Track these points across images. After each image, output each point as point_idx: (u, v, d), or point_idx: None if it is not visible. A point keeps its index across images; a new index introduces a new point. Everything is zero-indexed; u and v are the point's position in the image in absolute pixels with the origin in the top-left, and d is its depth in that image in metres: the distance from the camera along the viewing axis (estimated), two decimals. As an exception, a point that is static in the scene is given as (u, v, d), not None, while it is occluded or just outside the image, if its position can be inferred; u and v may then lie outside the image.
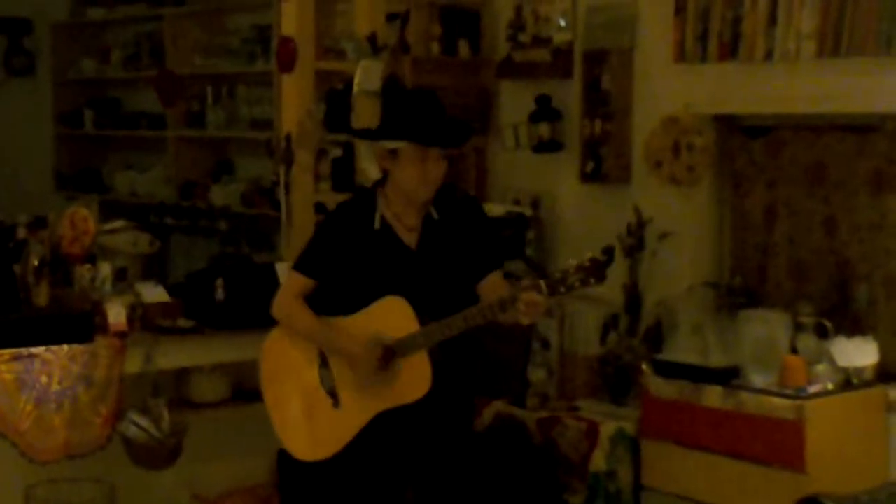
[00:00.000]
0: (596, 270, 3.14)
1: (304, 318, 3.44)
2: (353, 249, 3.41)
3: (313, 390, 3.45)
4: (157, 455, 3.91)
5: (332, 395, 3.44)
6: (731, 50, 4.34)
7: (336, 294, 3.47)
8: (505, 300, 3.20)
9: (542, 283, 3.15)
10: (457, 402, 3.46)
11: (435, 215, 3.41)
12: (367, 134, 3.47)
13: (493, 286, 3.38)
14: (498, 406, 4.44)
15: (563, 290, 3.16)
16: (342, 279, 3.45)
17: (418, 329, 3.30)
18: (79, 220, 4.28)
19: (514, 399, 4.48)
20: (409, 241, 3.40)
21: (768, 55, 4.23)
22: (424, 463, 3.48)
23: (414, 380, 3.32)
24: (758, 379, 3.86)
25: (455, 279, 3.40)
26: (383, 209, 3.41)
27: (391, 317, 3.34)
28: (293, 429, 3.51)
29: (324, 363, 3.47)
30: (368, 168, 3.50)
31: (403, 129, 3.33)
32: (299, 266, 3.51)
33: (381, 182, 3.44)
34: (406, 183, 3.35)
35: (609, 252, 3.23)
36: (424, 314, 3.31)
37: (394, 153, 3.35)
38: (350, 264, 3.42)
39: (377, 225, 3.39)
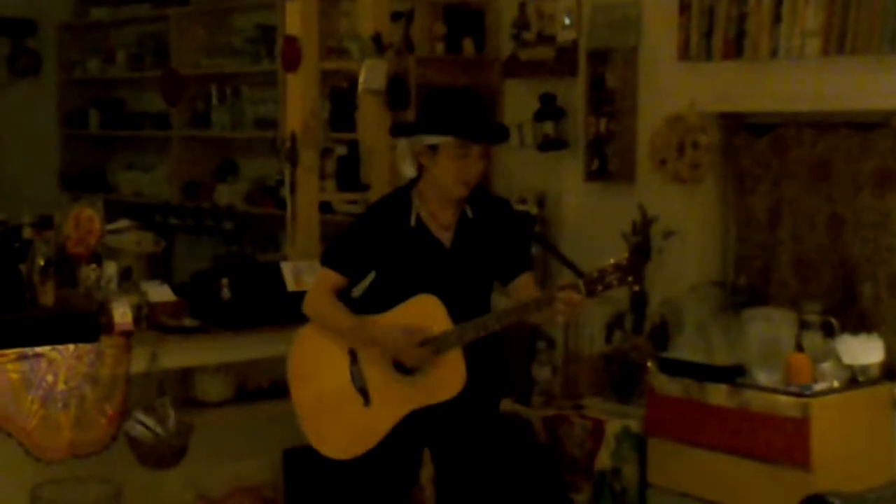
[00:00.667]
0: (633, 269, 3.14)
1: (337, 313, 3.40)
2: (388, 247, 3.40)
3: (343, 388, 3.41)
4: (162, 455, 3.90)
5: (363, 393, 3.41)
6: (735, 48, 4.33)
7: (369, 291, 3.47)
8: (542, 300, 3.21)
9: (581, 282, 3.16)
10: (486, 400, 3.45)
11: (470, 214, 3.40)
12: (410, 129, 3.45)
13: (524, 286, 3.39)
14: (503, 404, 4.43)
15: (600, 288, 3.17)
16: (376, 276, 3.45)
17: (452, 327, 3.29)
18: (84, 220, 4.28)
19: (519, 397, 4.48)
20: (443, 240, 3.40)
21: (773, 53, 4.23)
22: (446, 457, 3.47)
23: (447, 378, 3.30)
24: (763, 377, 3.86)
25: (487, 279, 3.41)
26: (418, 207, 3.40)
27: (424, 315, 3.32)
28: (322, 427, 3.46)
29: (354, 361, 3.44)
30: (404, 166, 3.47)
31: (448, 123, 3.30)
32: (332, 262, 3.47)
33: (416, 180, 3.43)
34: (444, 178, 3.33)
35: (646, 251, 3.22)
36: (456, 311, 3.30)
37: (434, 149, 3.32)
38: (384, 262, 3.42)
39: (413, 223, 3.39)
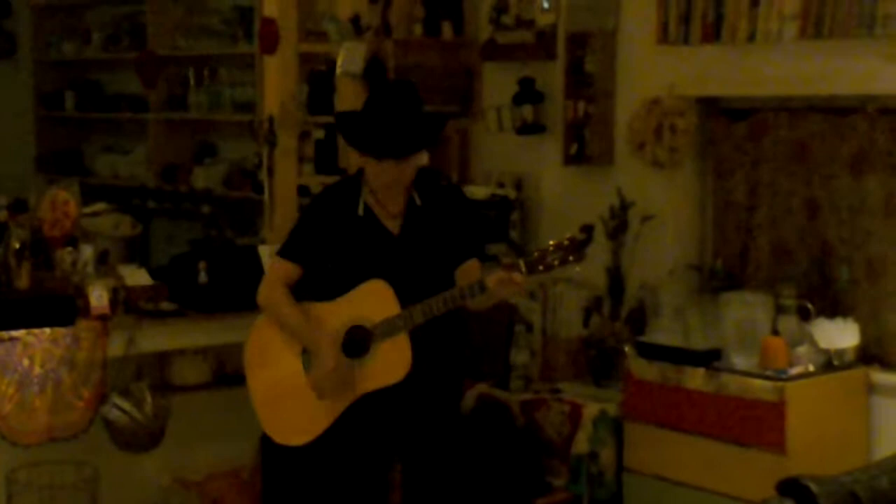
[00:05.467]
0: (575, 249, 3.16)
1: (284, 307, 3.44)
2: (337, 235, 3.42)
3: (295, 375, 3.45)
4: (139, 438, 3.90)
5: None
6: (714, 32, 4.33)
7: (320, 279, 3.47)
8: (480, 281, 3.24)
9: (521, 261, 3.18)
10: (441, 383, 3.47)
11: (418, 202, 3.42)
12: (345, 135, 3.52)
13: (468, 272, 3.40)
14: (481, 388, 4.45)
15: (541, 268, 3.18)
16: (326, 264, 3.45)
17: (398, 312, 3.31)
18: (60, 203, 4.25)
19: (497, 381, 4.49)
20: (391, 227, 3.41)
21: (751, 37, 4.23)
22: (410, 443, 3.49)
23: (393, 363, 3.33)
24: (739, 361, 3.88)
25: (436, 264, 3.41)
26: (367, 195, 3.41)
27: (372, 300, 3.35)
28: (275, 414, 3.52)
29: (305, 348, 3.46)
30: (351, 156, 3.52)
31: (360, 142, 3.36)
32: (284, 252, 3.51)
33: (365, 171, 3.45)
34: (375, 182, 3.39)
35: (588, 230, 3.25)
36: (407, 299, 3.32)
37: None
38: (334, 249, 3.43)
39: (360, 211, 3.39)
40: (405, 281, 3.34)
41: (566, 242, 3.17)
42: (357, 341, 3.36)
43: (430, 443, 3.47)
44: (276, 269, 3.51)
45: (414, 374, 3.33)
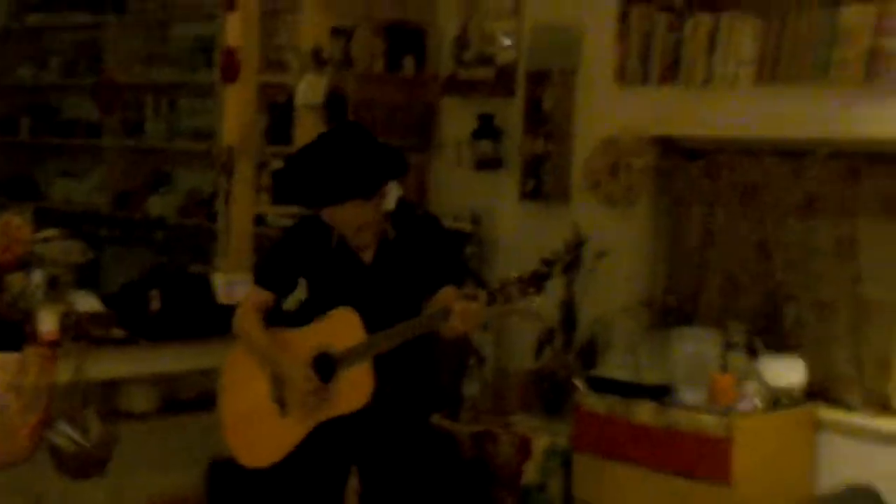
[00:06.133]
0: (535, 281, 3.19)
1: (254, 333, 3.47)
2: (311, 264, 3.45)
3: (263, 399, 3.47)
4: (84, 465, 3.86)
5: (281, 403, 3.45)
6: (672, 73, 4.39)
7: (301, 305, 3.50)
8: (441, 310, 3.23)
9: (482, 292, 3.18)
10: (405, 409, 3.46)
11: (390, 234, 3.41)
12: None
13: (440, 300, 3.39)
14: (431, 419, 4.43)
15: (501, 299, 3.20)
16: (306, 291, 3.47)
17: (363, 339, 3.30)
18: (12, 229, 4.21)
19: (448, 413, 4.48)
20: (364, 257, 3.42)
21: (707, 79, 4.30)
22: (370, 466, 3.48)
23: (355, 389, 3.32)
24: (689, 396, 3.90)
25: (408, 294, 3.41)
26: (339, 230, 3.41)
27: (340, 328, 3.35)
28: (241, 436, 3.53)
29: (274, 372, 3.46)
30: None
31: (291, 193, 3.42)
32: (259, 280, 3.55)
33: None
34: (334, 224, 3.36)
35: (550, 264, 3.28)
36: (377, 327, 3.32)
37: None
38: (308, 278, 3.46)
39: (333, 244, 3.40)
40: (376, 309, 3.34)
41: (527, 275, 3.20)
42: (323, 368, 3.36)
43: (388, 465, 3.46)
44: (250, 297, 3.54)
45: (378, 400, 3.32)
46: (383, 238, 3.41)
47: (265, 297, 3.49)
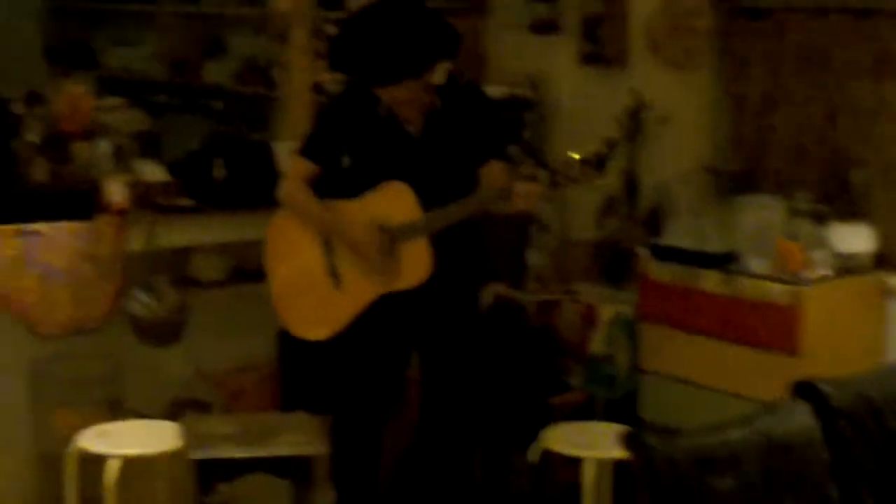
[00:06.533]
0: (597, 163, 3.17)
1: (307, 202, 3.46)
2: (358, 136, 3.42)
3: (315, 270, 3.49)
4: (161, 331, 3.96)
5: (334, 275, 3.47)
6: (735, -73, 4.27)
7: (340, 179, 3.48)
8: (502, 190, 3.22)
9: (542, 173, 3.18)
10: (459, 287, 3.50)
11: (438, 105, 3.39)
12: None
13: (492, 173, 3.39)
14: (497, 289, 4.48)
15: (561, 179, 3.20)
16: (350, 162, 3.46)
17: (420, 215, 3.31)
18: (75, 98, 4.24)
19: (512, 282, 4.53)
20: (412, 129, 3.40)
21: (775, -66, 4.17)
22: (429, 340, 3.54)
23: (414, 265, 3.35)
24: (755, 264, 3.90)
25: (457, 167, 3.41)
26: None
27: (393, 202, 3.36)
28: (294, 309, 3.57)
29: (327, 244, 3.49)
30: None
31: (343, 65, 3.41)
32: (304, 151, 3.52)
33: None
34: (383, 98, 3.34)
35: (611, 145, 3.25)
36: (427, 201, 3.33)
37: None
38: (355, 149, 3.42)
39: (383, 113, 3.38)
40: (425, 183, 3.34)
41: (589, 156, 3.17)
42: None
43: (448, 340, 3.53)
44: (295, 167, 3.53)
45: (433, 276, 3.35)
46: (430, 109, 3.39)
47: (309, 168, 3.47)
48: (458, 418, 3.59)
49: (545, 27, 4.96)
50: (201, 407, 4.15)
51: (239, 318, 4.32)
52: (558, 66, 5.01)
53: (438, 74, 3.35)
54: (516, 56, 5.14)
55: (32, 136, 4.10)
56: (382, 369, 3.57)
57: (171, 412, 3.98)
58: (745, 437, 2.50)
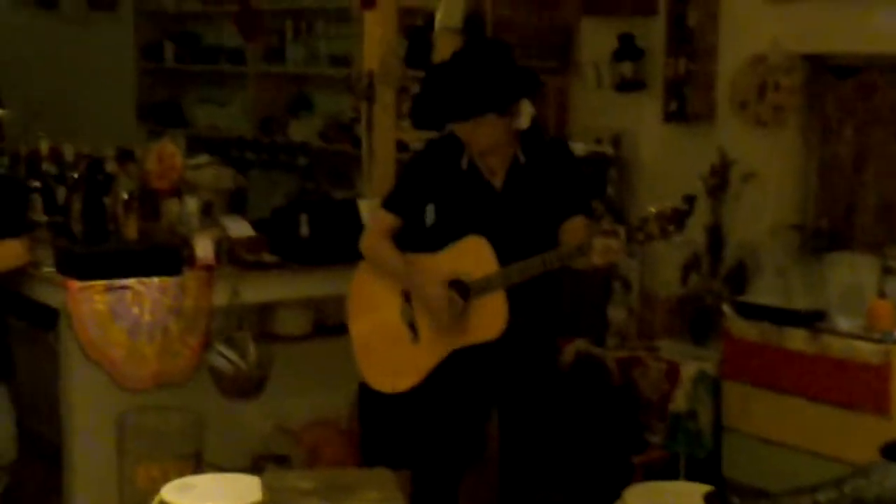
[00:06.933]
0: (676, 219, 3.15)
1: (388, 255, 3.49)
2: (440, 189, 3.44)
3: (394, 324, 3.51)
4: (242, 386, 4.00)
5: (412, 328, 3.49)
6: (823, -14, 4.24)
7: (423, 232, 3.50)
8: (581, 245, 3.22)
9: (621, 229, 3.16)
10: (536, 341, 3.48)
11: (521, 159, 3.40)
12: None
13: (574, 229, 3.39)
14: (578, 345, 4.45)
15: (641, 237, 3.18)
16: (434, 215, 3.49)
17: (496, 270, 3.32)
18: (166, 156, 4.35)
19: (594, 338, 4.49)
20: (495, 183, 3.41)
21: (862, -8, 4.13)
22: (508, 395, 3.52)
23: (488, 320, 3.35)
24: (843, 323, 3.82)
25: (539, 222, 3.41)
26: (471, 150, 3.41)
27: (471, 256, 3.37)
28: (373, 361, 3.59)
29: (407, 298, 3.51)
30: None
31: (427, 110, 3.45)
32: (387, 204, 3.56)
33: None
34: (466, 140, 3.37)
35: (690, 201, 3.23)
36: (507, 255, 3.33)
37: None
38: (437, 202, 3.45)
39: (464, 166, 3.40)
40: (506, 237, 3.35)
41: (668, 212, 3.15)
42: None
43: (525, 394, 3.50)
44: (378, 220, 3.57)
45: (509, 331, 3.35)
46: (514, 162, 3.40)
47: (392, 221, 3.51)
48: (537, 475, 3.56)
49: (630, 85, 4.96)
50: (281, 461, 4.17)
51: (319, 373, 4.35)
52: (642, 123, 5.00)
53: (522, 118, 3.37)
54: (600, 113, 5.14)
55: (124, 192, 4.21)
56: (460, 424, 3.56)
57: (252, 466, 4.01)
58: (835, 501, 2.43)
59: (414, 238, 3.55)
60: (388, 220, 3.52)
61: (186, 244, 4.08)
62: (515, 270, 3.30)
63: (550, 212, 3.42)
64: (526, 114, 3.39)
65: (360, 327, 3.61)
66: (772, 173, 4.48)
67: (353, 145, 5.80)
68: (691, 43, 4.73)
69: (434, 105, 3.40)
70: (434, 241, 3.47)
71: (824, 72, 4.45)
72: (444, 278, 3.40)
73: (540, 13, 5.25)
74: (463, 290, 3.39)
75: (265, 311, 4.33)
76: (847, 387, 3.71)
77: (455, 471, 3.57)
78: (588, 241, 3.20)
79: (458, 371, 3.46)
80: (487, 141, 3.33)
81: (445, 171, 3.43)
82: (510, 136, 3.36)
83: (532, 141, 3.43)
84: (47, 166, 4.72)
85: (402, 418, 4.13)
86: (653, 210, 3.17)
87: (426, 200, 3.49)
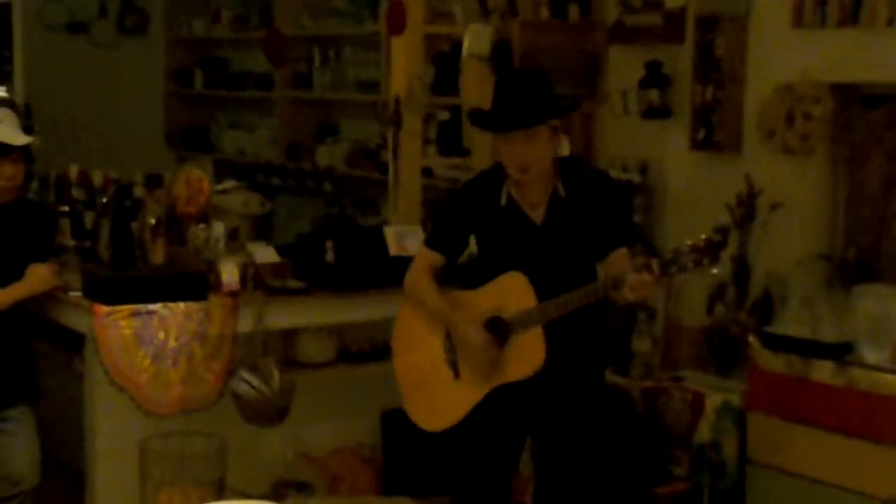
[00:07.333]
0: (710, 251, 3.11)
1: (428, 294, 3.47)
2: (481, 225, 3.44)
3: (437, 361, 3.49)
4: (266, 412, 3.98)
5: (454, 366, 3.47)
6: (851, 15, 4.21)
7: (470, 264, 3.51)
8: (616, 279, 3.19)
9: (655, 262, 3.14)
10: (578, 374, 3.45)
11: (562, 192, 3.39)
12: (470, 117, 3.54)
13: (616, 262, 3.36)
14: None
15: (674, 270, 3.15)
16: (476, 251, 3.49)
17: (534, 305, 3.30)
18: (194, 181, 4.36)
19: (617, 368, 4.47)
20: (534, 217, 3.40)
21: (890, 21, 4.10)
22: (544, 431, 3.49)
23: (527, 356, 3.33)
24: (871, 355, 3.79)
25: (580, 256, 3.40)
26: (510, 186, 3.41)
27: (510, 292, 3.35)
28: (416, 399, 3.56)
29: (448, 336, 3.48)
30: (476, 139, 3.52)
31: (474, 116, 3.41)
32: (429, 241, 3.57)
33: None
34: (504, 163, 3.37)
35: (724, 232, 3.20)
36: (549, 289, 3.30)
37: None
38: (478, 238, 3.46)
39: (503, 201, 3.40)
40: (546, 271, 3.33)
41: (701, 244, 3.11)
42: (495, 332, 3.36)
43: (565, 428, 3.46)
44: (420, 258, 3.55)
45: (550, 366, 3.33)
46: (553, 195, 3.39)
47: (435, 258, 3.49)
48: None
49: (657, 113, 4.95)
50: (303, 488, 4.16)
51: (343, 400, 4.34)
52: (669, 151, 4.99)
53: (563, 147, 3.35)
54: (627, 141, 5.13)
55: (151, 218, 4.22)
56: (498, 457, 3.53)
57: (274, 493, 4.00)
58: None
59: (456, 272, 3.56)
60: (431, 257, 3.51)
61: (212, 269, 4.08)
62: (553, 306, 3.28)
63: (592, 245, 3.40)
64: (565, 144, 3.38)
65: (404, 364, 3.59)
66: (799, 203, 4.46)
67: (380, 171, 5.81)
68: (719, 71, 4.73)
69: (485, 115, 3.40)
70: (477, 274, 3.46)
71: (853, 101, 4.43)
72: (483, 317, 3.38)
73: (567, 40, 5.25)
74: (502, 326, 3.36)
75: (289, 337, 4.33)
76: (874, 420, 3.68)
77: (495, 501, 3.55)
78: (621, 277, 3.17)
79: (498, 407, 3.43)
80: (527, 157, 3.29)
81: (485, 207, 3.42)
82: (549, 158, 3.34)
83: (572, 174, 3.41)
84: (76, 191, 4.76)
85: (429, 447, 4.11)
86: (688, 243, 3.14)
87: (466, 236, 3.50)
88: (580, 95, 5.11)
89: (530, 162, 3.31)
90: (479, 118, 3.42)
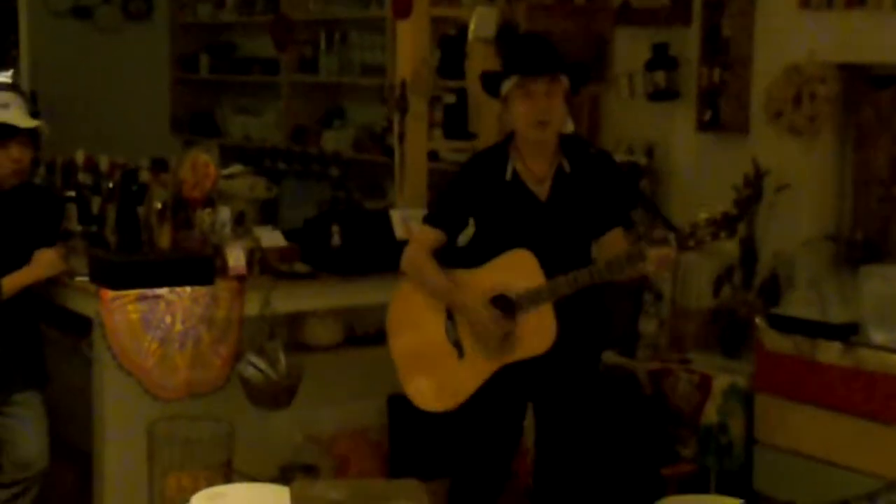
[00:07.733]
0: (726, 224, 3.10)
1: (430, 273, 3.43)
2: (484, 201, 3.41)
3: (439, 341, 3.46)
4: (273, 396, 3.99)
5: (458, 346, 3.45)
6: (859, -4, 4.20)
7: (471, 243, 3.49)
8: (633, 254, 3.17)
9: (672, 236, 3.12)
10: (583, 351, 3.45)
11: (566, 168, 3.38)
12: (483, 78, 3.49)
13: (612, 242, 3.36)
14: (608, 356, 4.42)
15: (692, 243, 3.13)
16: (476, 228, 3.47)
17: (543, 282, 3.29)
18: (200, 165, 4.36)
19: (624, 350, 4.47)
20: (539, 193, 3.39)
21: (898, 2, 4.09)
22: (546, 406, 3.50)
23: (538, 333, 3.31)
24: (878, 336, 3.78)
25: (581, 233, 3.39)
26: (514, 161, 3.40)
27: (517, 270, 3.33)
28: (417, 378, 3.52)
29: (450, 315, 3.47)
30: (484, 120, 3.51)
31: (505, 64, 3.37)
32: (430, 219, 3.52)
33: (514, 135, 3.44)
34: (519, 125, 3.34)
35: (740, 205, 3.18)
36: (551, 266, 3.30)
37: (506, 100, 3.36)
38: (481, 215, 3.43)
39: (508, 176, 3.38)
40: (551, 248, 3.32)
41: (718, 217, 3.11)
42: (500, 310, 3.35)
43: (567, 404, 3.46)
44: (420, 235, 3.52)
45: (557, 343, 3.32)
46: (559, 171, 3.38)
47: (435, 236, 3.45)
48: (571, 485, 3.52)
49: (663, 95, 4.94)
50: (310, 471, 4.17)
51: (349, 383, 4.35)
52: (676, 133, 4.98)
53: (568, 124, 3.37)
54: (634, 123, 5.12)
55: (157, 202, 4.22)
56: (501, 434, 3.52)
57: (281, 476, 4.01)
58: (867, 517, 2.40)
59: (457, 251, 3.52)
60: (431, 235, 3.46)
61: (219, 254, 4.09)
62: (564, 282, 3.25)
63: (592, 222, 3.39)
64: (569, 122, 3.39)
65: (402, 344, 3.55)
66: (806, 184, 4.45)
67: (386, 155, 5.81)
68: (726, 52, 4.71)
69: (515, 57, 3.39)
70: (476, 254, 3.44)
71: (860, 82, 4.41)
72: (488, 295, 3.36)
73: (573, 23, 5.23)
74: (507, 304, 3.34)
75: (296, 320, 4.34)
76: (881, 400, 3.67)
77: (497, 482, 3.55)
78: (640, 251, 3.15)
79: (503, 385, 3.42)
80: (541, 112, 3.27)
81: (489, 184, 3.40)
82: (560, 126, 3.34)
83: (577, 151, 3.41)
84: (82, 176, 4.76)
85: (434, 430, 4.12)
86: (703, 216, 3.12)
87: (469, 214, 3.46)
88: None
89: (550, 118, 3.30)
90: (495, 76, 3.38)
